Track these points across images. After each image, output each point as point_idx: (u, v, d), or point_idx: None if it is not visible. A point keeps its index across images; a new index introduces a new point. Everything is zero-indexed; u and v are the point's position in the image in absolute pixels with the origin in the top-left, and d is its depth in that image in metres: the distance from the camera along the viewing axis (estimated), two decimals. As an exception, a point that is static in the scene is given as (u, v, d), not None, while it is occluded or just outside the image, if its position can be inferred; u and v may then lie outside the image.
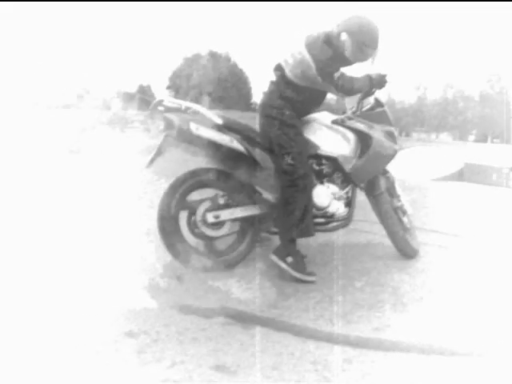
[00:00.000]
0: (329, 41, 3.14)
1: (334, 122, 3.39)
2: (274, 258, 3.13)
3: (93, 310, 2.44)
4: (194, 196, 3.19)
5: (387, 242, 3.58)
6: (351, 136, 3.39)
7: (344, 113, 3.59)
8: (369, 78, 3.28)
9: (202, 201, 3.17)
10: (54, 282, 2.69)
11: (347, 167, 3.35)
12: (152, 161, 3.11)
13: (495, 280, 3.23)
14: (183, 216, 3.15)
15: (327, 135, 3.37)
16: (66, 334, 2.20)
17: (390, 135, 3.48)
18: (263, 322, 2.43)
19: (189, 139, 3.09)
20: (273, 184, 3.23)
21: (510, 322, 2.54)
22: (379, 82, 3.33)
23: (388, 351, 2.20)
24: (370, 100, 3.52)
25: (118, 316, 2.41)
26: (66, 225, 3.34)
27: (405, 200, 3.75)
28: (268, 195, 3.25)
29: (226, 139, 3.11)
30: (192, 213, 3.17)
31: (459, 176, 10.04)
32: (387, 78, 3.35)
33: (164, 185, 3.17)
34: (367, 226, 4.24)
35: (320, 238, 3.39)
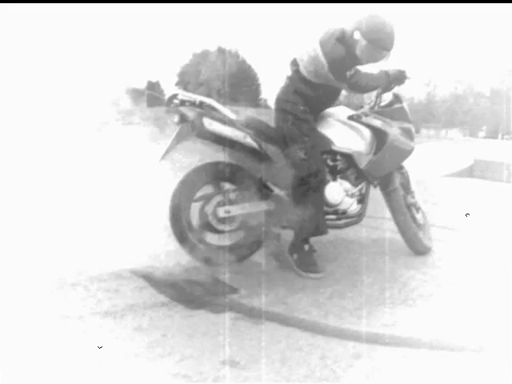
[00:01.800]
0: (342, 39, 3.09)
1: (350, 117, 3.36)
2: (286, 254, 3.19)
3: (101, 304, 2.46)
4: (207, 189, 3.21)
5: (397, 238, 3.57)
6: (367, 132, 3.37)
7: (362, 107, 3.58)
8: (385, 74, 3.25)
9: (213, 195, 3.19)
10: (63, 274, 2.72)
11: (362, 164, 3.33)
12: (166, 153, 3.12)
13: (504, 275, 3.22)
14: (195, 209, 3.17)
15: (342, 131, 3.34)
16: (75, 330, 2.21)
17: (407, 132, 3.45)
18: (272, 317, 2.44)
19: (202, 134, 3.09)
20: (285, 180, 3.22)
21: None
22: (398, 77, 3.30)
23: (397, 346, 2.20)
24: (389, 95, 3.49)
25: (127, 311, 2.42)
26: (79, 216, 3.36)
27: (419, 196, 3.74)
28: (279, 191, 3.25)
29: (239, 135, 3.11)
30: (204, 206, 3.18)
31: (469, 172, 9.97)
32: (407, 74, 3.32)
33: (179, 178, 3.19)
34: (378, 222, 4.23)
35: (330, 233, 3.38)
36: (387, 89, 3.39)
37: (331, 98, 3.36)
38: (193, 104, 3.13)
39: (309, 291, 2.82)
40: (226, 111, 3.16)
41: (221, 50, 32.01)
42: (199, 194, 3.19)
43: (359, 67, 3.22)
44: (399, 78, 3.31)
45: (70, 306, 2.44)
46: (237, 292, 2.74)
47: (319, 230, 3.18)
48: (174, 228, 3.12)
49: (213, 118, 3.09)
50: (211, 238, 3.20)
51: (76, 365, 1.94)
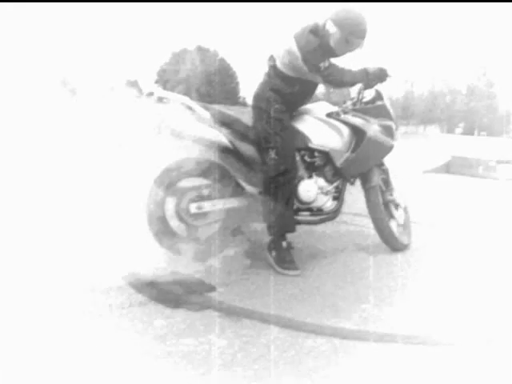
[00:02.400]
0: (315, 31, 3.12)
1: (329, 115, 3.38)
2: (265, 251, 3.21)
3: (81, 304, 2.45)
4: (182, 184, 3.20)
5: (375, 234, 3.60)
6: (345, 130, 3.38)
7: (344, 103, 3.58)
8: (365, 71, 3.25)
9: (187, 190, 3.19)
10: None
11: (338, 162, 3.35)
12: (147, 144, 3.12)
13: (479, 271, 3.27)
14: (171, 203, 3.17)
15: (320, 128, 3.35)
16: (54, 330, 2.19)
17: (388, 129, 3.47)
18: (251, 314, 2.44)
19: (175, 132, 3.10)
20: (257, 178, 3.24)
21: (493, 313, 2.57)
22: (378, 75, 3.30)
23: (374, 342, 2.22)
24: (371, 92, 3.50)
25: (103, 309, 2.41)
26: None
27: (399, 193, 3.76)
28: (252, 189, 3.26)
29: (212, 134, 3.12)
30: (178, 201, 3.18)
31: (446, 168, 10.09)
32: (388, 72, 3.32)
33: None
34: (356, 219, 4.27)
35: (308, 230, 3.40)
36: (368, 86, 3.40)
37: (307, 94, 3.36)
38: (168, 102, 3.13)
39: (287, 288, 2.83)
40: (200, 110, 3.16)
41: (200, 49, 31.92)
42: (174, 188, 3.18)
43: (337, 62, 3.22)
44: (380, 75, 3.31)
45: (49, 306, 2.41)
46: (215, 290, 2.74)
47: (287, 228, 3.20)
48: (150, 222, 3.12)
49: (186, 116, 3.10)
50: (185, 232, 3.20)
51: (54, 366, 1.93)
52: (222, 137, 3.14)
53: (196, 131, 3.10)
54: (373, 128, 3.40)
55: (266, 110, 3.19)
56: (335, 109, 3.45)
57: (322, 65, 3.11)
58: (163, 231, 3.13)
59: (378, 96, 3.52)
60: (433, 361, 2.08)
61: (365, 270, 3.22)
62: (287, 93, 3.22)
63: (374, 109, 3.48)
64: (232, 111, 3.38)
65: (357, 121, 3.39)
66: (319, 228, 3.72)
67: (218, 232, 3.26)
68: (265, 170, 3.17)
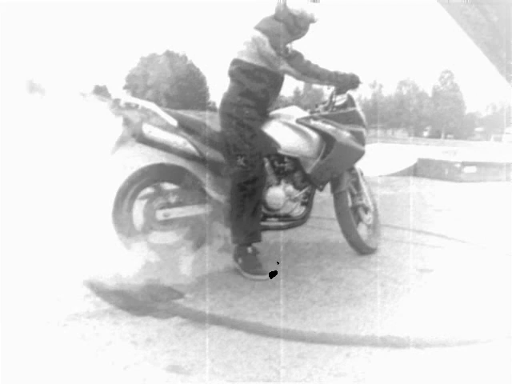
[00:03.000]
0: (276, 15, 3.23)
1: (299, 121, 3.36)
2: (232, 259, 3.21)
3: (44, 313, 2.41)
4: (150, 190, 3.22)
5: (342, 238, 3.63)
6: (315, 137, 3.37)
7: (316, 106, 3.60)
8: (335, 72, 3.26)
9: (154, 196, 3.19)
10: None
11: (307, 169, 3.36)
12: (115, 149, 3.10)
13: (447, 270, 3.33)
14: (138, 209, 3.18)
15: (289, 134, 3.34)
16: (16, 340, 2.15)
17: (358, 136, 3.48)
18: (218, 320, 2.43)
19: (142, 140, 3.10)
20: (223, 185, 3.24)
21: (454, 313, 2.62)
22: (350, 81, 3.32)
23: (341, 345, 2.24)
24: (343, 96, 3.50)
25: (68, 317, 2.38)
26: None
27: (370, 195, 3.80)
28: (218, 196, 3.26)
29: (178, 141, 3.13)
30: (146, 206, 3.19)
31: (413, 171, 10.26)
32: (359, 79, 3.35)
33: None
34: (323, 223, 4.29)
35: (276, 234, 3.42)
36: (340, 91, 3.42)
37: (275, 88, 3.34)
38: (135, 109, 3.12)
39: (254, 293, 2.84)
40: (167, 117, 3.15)
41: (168, 54, 31.79)
42: (142, 194, 3.19)
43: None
44: (352, 81, 3.34)
45: (10, 314, 2.37)
46: (182, 296, 2.72)
47: (253, 238, 3.19)
48: (116, 226, 3.12)
49: (153, 124, 3.09)
50: (153, 237, 3.20)
51: (20, 376, 1.89)
52: (188, 144, 3.13)
53: (162, 139, 3.10)
54: (343, 134, 3.40)
55: (236, 117, 3.18)
56: (306, 114, 3.45)
57: (289, 46, 3.14)
58: (130, 236, 3.12)
59: (350, 101, 3.53)
60: (400, 362, 2.11)
61: (331, 273, 3.25)
62: (257, 90, 3.21)
63: (346, 115, 3.48)
64: (200, 117, 3.37)
65: (326, 127, 3.38)
66: (286, 232, 3.73)
67: (185, 238, 3.26)
68: (232, 177, 3.17)
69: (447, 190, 8.21)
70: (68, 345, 2.15)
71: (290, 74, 3.24)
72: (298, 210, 3.40)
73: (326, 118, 3.42)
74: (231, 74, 3.30)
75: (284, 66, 3.17)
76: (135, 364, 2.01)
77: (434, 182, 9.05)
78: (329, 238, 4.09)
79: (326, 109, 3.51)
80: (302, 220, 3.43)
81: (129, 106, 3.15)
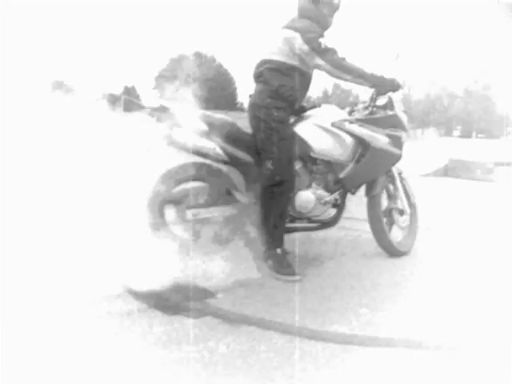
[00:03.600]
0: (301, 13, 3.25)
1: (334, 124, 3.30)
2: (262, 261, 3.18)
3: (81, 311, 2.44)
4: (180, 190, 3.22)
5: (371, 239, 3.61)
6: (350, 140, 3.32)
7: (356, 105, 3.56)
8: (370, 73, 3.21)
9: (184, 196, 3.20)
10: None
11: (340, 173, 3.32)
12: (145, 153, 3.12)
13: (478, 275, 3.27)
14: (170, 208, 3.19)
15: (324, 137, 3.29)
16: (52, 337, 2.19)
17: (396, 140, 3.42)
18: (250, 320, 2.43)
19: (173, 144, 3.11)
20: (250, 187, 3.23)
21: (492, 317, 2.57)
22: (391, 84, 3.27)
23: (372, 347, 2.22)
24: (384, 98, 3.44)
25: (105, 319, 2.41)
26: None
27: (409, 198, 3.75)
28: (244, 198, 3.25)
29: (208, 146, 3.12)
30: (176, 207, 3.19)
31: (444, 172, 10.12)
32: (401, 84, 3.30)
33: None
34: (355, 224, 4.26)
35: (306, 235, 3.41)
36: (381, 93, 3.36)
37: (304, 87, 3.31)
38: (167, 111, 3.13)
39: (286, 294, 2.83)
40: (198, 121, 3.14)
41: (197, 55, 31.99)
42: (174, 192, 3.19)
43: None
44: (392, 84, 3.28)
45: (47, 313, 2.40)
46: (214, 296, 2.73)
47: (277, 242, 3.17)
48: (150, 225, 3.12)
49: (183, 127, 3.09)
50: (184, 236, 3.21)
51: (54, 372, 1.92)
52: (218, 149, 3.13)
53: (193, 143, 3.10)
54: (380, 139, 3.35)
55: (265, 120, 3.16)
56: (343, 114, 3.40)
57: (321, 41, 3.12)
58: (164, 235, 3.11)
59: (390, 104, 3.46)
60: (431, 365, 2.08)
61: (363, 275, 3.22)
62: (286, 91, 3.18)
63: (385, 119, 3.42)
64: (230, 117, 3.36)
65: (362, 132, 3.33)
66: (317, 233, 3.70)
67: (213, 238, 3.26)
68: (261, 179, 3.16)
69: (480, 190, 8.07)
70: (101, 344, 2.17)
71: (322, 68, 3.19)
72: (328, 213, 3.37)
73: (362, 122, 3.36)
74: (259, 76, 3.27)
75: (317, 60, 3.14)
76: (168, 363, 2.02)
77: (466, 183, 8.90)
78: (359, 240, 4.05)
79: (365, 108, 3.46)
80: (332, 223, 3.40)
81: (160, 108, 3.17)
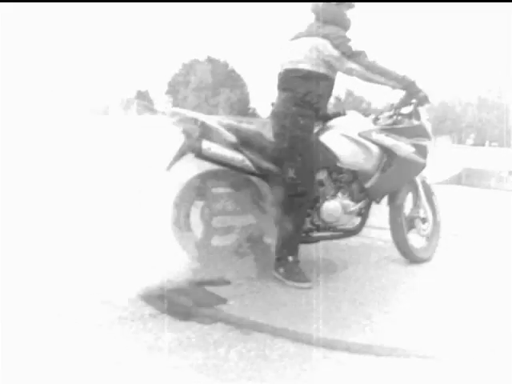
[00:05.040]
0: (320, 20, 3.20)
1: (361, 134, 3.28)
2: (273, 272, 3.16)
3: (91, 316, 2.43)
4: (207, 196, 3.24)
5: (389, 247, 3.59)
6: (376, 150, 3.30)
7: (381, 113, 3.53)
8: (403, 76, 3.16)
9: (210, 202, 3.21)
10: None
11: (366, 182, 3.31)
12: (171, 164, 3.12)
13: (499, 283, 3.23)
14: (195, 213, 3.23)
15: (350, 147, 3.27)
16: (64, 342, 2.18)
17: (421, 149, 3.40)
18: (261, 328, 2.41)
19: (201, 156, 3.11)
20: (274, 198, 3.22)
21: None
22: (422, 97, 3.24)
23: (384, 357, 2.19)
24: (410, 107, 3.41)
25: (112, 321, 2.39)
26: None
27: (432, 205, 3.74)
28: (268, 207, 3.24)
29: (237, 159, 3.12)
30: (202, 212, 3.22)
31: (458, 180, 10.05)
32: (429, 99, 3.27)
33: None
34: (371, 231, 4.23)
35: (320, 243, 3.38)
36: (406, 103, 3.36)
37: (328, 95, 3.29)
38: (194, 123, 3.12)
39: (297, 302, 2.80)
40: (226, 133, 3.13)
41: (210, 60, 32.10)
42: (199, 199, 3.22)
43: None
44: (422, 98, 3.25)
45: (59, 317, 2.40)
46: (225, 302, 2.71)
47: (288, 251, 3.15)
48: (174, 227, 3.15)
49: (212, 140, 3.08)
50: (209, 242, 3.24)
51: (66, 376, 1.91)
52: (246, 161, 3.13)
53: (221, 155, 3.10)
54: (405, 149, 3.33)
55: (290, 128, 3.13)
56: (369, 123, 3.38)
57: (351, 44, 3.10)
58: (186, 239, 3.18)
59: (416, 112, 3.44)
60: (443, 376, 2.05)
61: (378, 282, 3.19)
62: (313, 97, 3.15)
63: (411, 129, 3.40)
64: (254, 125, 3.34)
65: (388, 142, 3.31)
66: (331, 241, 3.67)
67: (232, 245, 3.26)
68: (282, 188, 3.14)
69: (495, 199, 7.99)
70: (112, 348, 2.16)
71: (355, 72, 3.14)
72: (351, 222, 3.35)
73: (388, 132, 3.34)
74: (284, 84, 3.25)
75: (349, 64, 3.11)
76: (178, 368, 2.01)
77: (480, 192, 8.82)
78: (373, 248, 4.02)
79: (390, 117, 3.43)
80: (356, 231, 3.38)
81: (188, 119, 3.15)
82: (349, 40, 3.13)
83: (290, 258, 3.13)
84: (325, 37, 3.10)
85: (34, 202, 3.28)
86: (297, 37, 3.25)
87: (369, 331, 2.45)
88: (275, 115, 3.26)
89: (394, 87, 3.22)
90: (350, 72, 3.17)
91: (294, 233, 3.13)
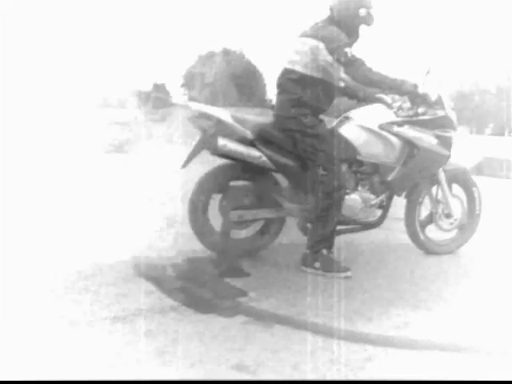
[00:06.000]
0: (329, 19, 3.16)
1: (382, 126, 3.23)
2: (303, 267, 3.13)
3: (110, 309, 2.45)
4: (225, 189, 3.26)
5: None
6: (397, 143, 3.25)
7: (405, 103, 3.38)
8: (400, 82, 3.09)
9: (229, 196, 3.21)
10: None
11: (387, 175, 3.27)
12: (188, 161, 3.12)
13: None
14: (214, 205, 3.24)
15: (370, 140, 3.23)
16: (84, 336, 2.19)
17: (445, 140, 3.35)
18: (282, 320, 2.40)
19: (217, 153, 3.11)
20: (297, 194, 3.20)
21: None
22: (423, 97, 3.17)
23: (408, 349, 2.17)
24: (434, 95, 3.26)
25: (137, 316, 2.40)
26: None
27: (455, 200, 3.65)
28: (290, 205, 3.22)
29: (254, 155, 3.12)
30: (220, 205, 3.23)
31: (478, 170, 9.92)
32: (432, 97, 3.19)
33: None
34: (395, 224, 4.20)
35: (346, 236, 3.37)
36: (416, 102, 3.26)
37: (329, 96, 3.23)
38: (210, 119, 3.10)
39: (319, 293, 2.79)
40: (242, 130, 3.11)
41: (226, 51, 31.99)
42: (217, 192, 3.23)
43: None
44: (424, 99, 3.19)
45: (78, 311, 2.41)
46: (246, 295, 2.71)
47: (323, 245, 3.12)
48: (192, 221, 3.19)
49: (228, 137, 3.07)
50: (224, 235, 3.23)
51: (87, 370, 1.92)
52: (263, 158, 3.11)
53: (238, 152, 3.10)
54: (428, 140, 3.28)
55: (297, 130, 3.11)
56: (390, 114, 3.29)
57: (347, 50, 3.01)
58: (204, 231, 3.20)
59: (440, 101, 3.33)
60: (468, 369, 2.03)
61: (397, 275, 3.16)
62: (310, 99, 3.11)
63: (434, 120, 3.33)
64: (270, 117, 3.28)
65: (410, 134, 3.26)
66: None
67: (251, 238, 3.27)
68: (318, 186, 3.09)
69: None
70: (134, 340, 2.17)
71: (347, 82, 3.15)
72: (373, 215, 3.32)
73: (411, 124, 3.28)
74: (281, 85, 3.22)
75: (341, 73, 3.06)
76: (200, 362, 2.01)
77: (500, 182, 8.70)
78: (397, 240, 3.98)
79: (411, 108, 3.31)
80: (377, 223, 3.35)
81: (203, 115, 3.14)
82: (347, 45, 3.04)
83: (325, 251, 3.11)
84: (320, 39, 3.04)
85: (48, 199, 3.33)
86: (301, 35, 3.19)
87: (391, 324, 2.43)
88: (277, 119, 3.22)
89: (391, 93, 3.22)
90: (342, 81, 3.14)
91: (332, 227, 3.11)
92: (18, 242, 3.24)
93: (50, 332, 2.19)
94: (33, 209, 3.81)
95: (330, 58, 3.03)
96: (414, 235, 3.54)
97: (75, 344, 2.10)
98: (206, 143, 3.09)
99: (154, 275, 2.87)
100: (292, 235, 3.48)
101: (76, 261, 3.04)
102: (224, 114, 3.13)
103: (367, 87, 3.24)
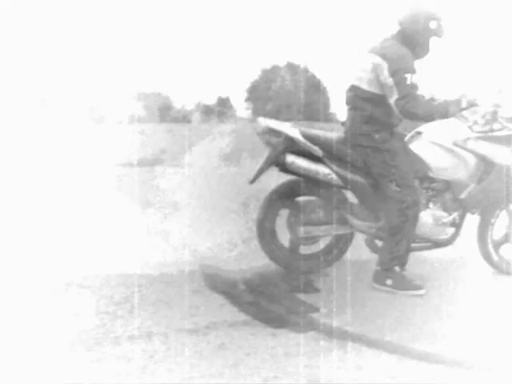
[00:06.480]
0: (399, 34, 3.10)
1: (456, 143, 3.13)
2: (375, 285, 3.08)
3: (183, 322, 2.49)
4: (294, 204, 3.25)
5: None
6: (472, 159, 3.14)
7: (480, 117, 3.21)
8: (446, 112, 3.02)
9: (297, 212, 3.21)
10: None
11: (461, 193, 3.17)
12: (256, 177, 3.16)
13: None
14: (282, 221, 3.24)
15: (443, 157, 3.15)
16: (157, 348, 2.24)
17: None
18: (355, 337, 2.38)
19: (285, 170, 3.14)
20: (366, 212, 3.17)
21: None
22: (470, 104, 3.07)
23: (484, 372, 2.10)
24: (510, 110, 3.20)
25: (210, 329, 2.43)
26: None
27: None
28: (359, 223, 3.18)
29: (323, 172, 3.12)
30: (291, 221, 3.22)
31: None
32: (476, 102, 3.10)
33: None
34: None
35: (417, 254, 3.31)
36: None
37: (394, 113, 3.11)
38: (279, 135, 3.12)
39: (393, 311, 2.74)
40: (312, 147, 3.11)
41: (290, 66, 32.12)
42: (284, 208, 3.23)
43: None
44: (466, 105, 3.07)
45: (151, 323, 2.47)
46: (318, 311, 2.69)
47: (396, 263, 3.06)
48: (260, 237, 3.21)
49: (296, 154, 3.09)
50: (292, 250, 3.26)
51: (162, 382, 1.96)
52: (332, 175, 3.10)
53: (306, 169, 3.11)
54: (504, 157, 3.14)
55: (369, 146, 3.07)
56: (465, 130, 3.16)
57: (407, 76, 2.95)
58: (272, 248, 3.21)
59: None
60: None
61: (476, 296, 3.05)
62: (383, 114, 3.07)
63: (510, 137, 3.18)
64: (337, 132, 3.26)
65: (486, 150, 3.13)
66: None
67: (319, 253, 3.25)
68: (390, 204, 3.05)
69: None
70: (208, 353, 2.20)
71: (396, 109, 3.02)
72: (445, 233, 3.22)
73: (487, 140, 3.15)
74: (349, 102, 3.19)
75: (393, 99, 2.98)
76: (275, 377, 2.01)
77: None
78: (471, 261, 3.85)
79: (487, 122, 3.17)
80: (449, 242, 3.24)
81: (272, 131, 3.17)
82: (409, 70, 2.97)
83: (397, 269, 3.06)
84: (386, 58, 2.98)
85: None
86: (369, 50, 3.13)
87: (469, 347, 2.34)
88: (349, 135, 3.16)
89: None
90: (395, 106, 3.00)
91: (405, 245, 3.05)
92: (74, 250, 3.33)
93: (124, 345, 2.25)
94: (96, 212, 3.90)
95: (390, 81, 2.97)
96: (486, 254, 3.41)
97: (150, 356, 2.15)
98: (275, 160, 3.11)
99: (225, 288, 2.91)
100: (359, 251, 3.43)
101: (148, 271, 3.12)
102: (293, 131, 3.14)
103: (412, 119, 3.12)
